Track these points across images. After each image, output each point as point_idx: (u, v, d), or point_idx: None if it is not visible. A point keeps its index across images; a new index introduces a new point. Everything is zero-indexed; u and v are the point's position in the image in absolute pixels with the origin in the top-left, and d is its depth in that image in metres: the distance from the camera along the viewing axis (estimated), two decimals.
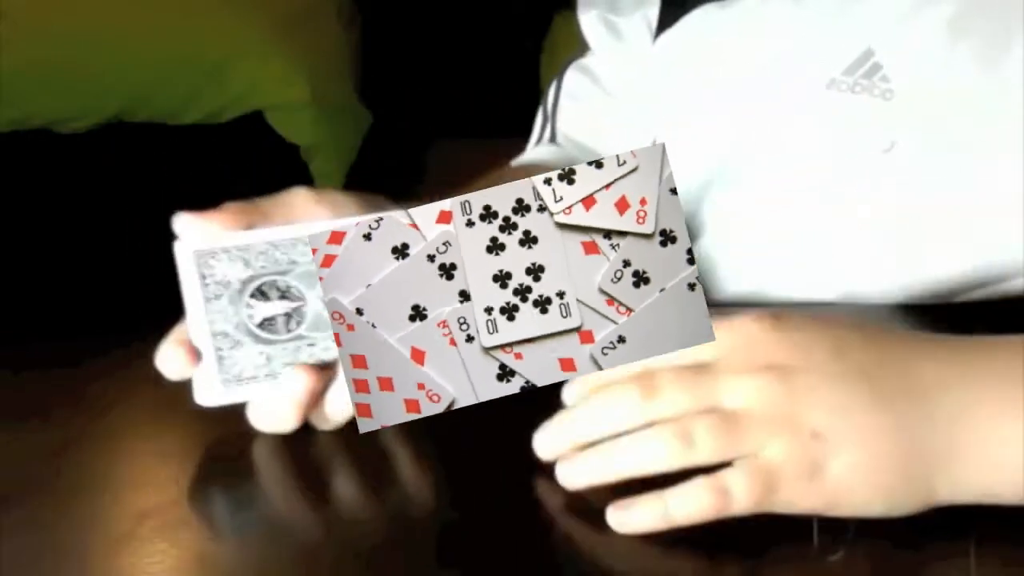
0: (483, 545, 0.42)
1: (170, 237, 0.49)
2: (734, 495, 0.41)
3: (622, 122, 0.73)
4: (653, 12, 0.71)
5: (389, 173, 2.18)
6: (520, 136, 0.85)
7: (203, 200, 0.50)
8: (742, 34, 0.66)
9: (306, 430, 0.49)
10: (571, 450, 0.44)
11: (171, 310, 0.49)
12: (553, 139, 0.76)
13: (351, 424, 0.48)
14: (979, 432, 0.41)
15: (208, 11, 1.93)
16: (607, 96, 0.74)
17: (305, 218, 0.50)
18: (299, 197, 0.51)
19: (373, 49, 2.36)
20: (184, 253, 0.48)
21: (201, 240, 0.48)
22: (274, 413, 0.48)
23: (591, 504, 0.43)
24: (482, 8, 2.52)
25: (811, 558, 0.41)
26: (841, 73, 0.61)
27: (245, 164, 1.91)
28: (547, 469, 0.45)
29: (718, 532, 0.41)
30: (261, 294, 0.48)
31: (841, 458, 0.41)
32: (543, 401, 0.48)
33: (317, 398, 0.47)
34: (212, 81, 1.89)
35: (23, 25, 1.86)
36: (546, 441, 0.45)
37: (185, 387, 0.48)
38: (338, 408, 0.48)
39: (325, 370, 0.47)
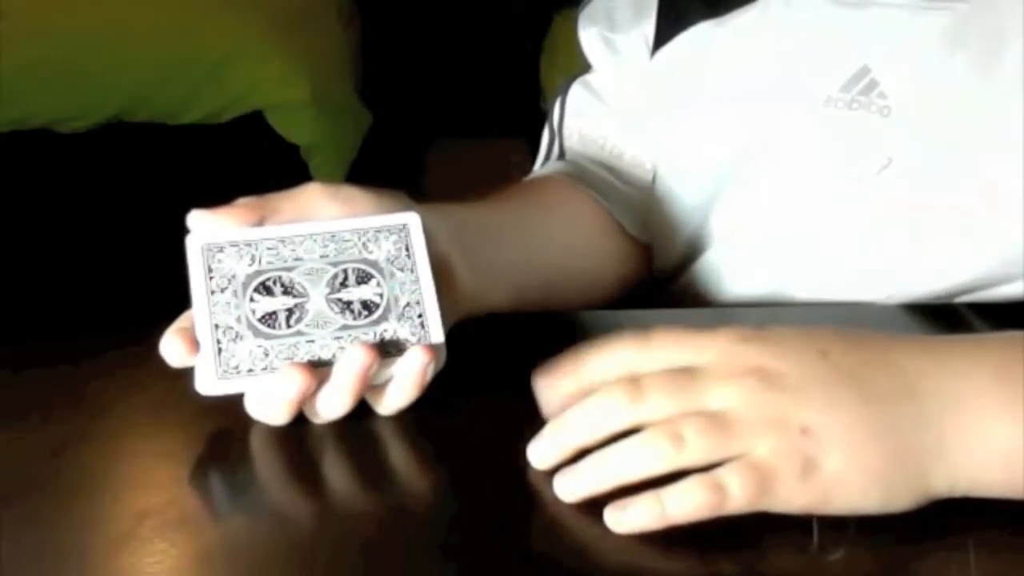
0: (482, 540, 0.42)
1: (169, 237, 0.49)
2: (729, 492, 0.41)
3: (626, 137, 0.74)
4: (650, 29, 0.72)
5: (389, 173, 2.18)
6: (520, 136, 0.85)
7: (203, 200, 0.51)
8: (737, 53, 0.66)
9: (305, 427, 0.49)
10: (564, 457, 0.45)
11: (171, 310, 0.50)
12: (562, 155, 0.77)
13: (350, 420, 0.49)
14: (965, 427, 0.42)
15: (208, 11, 1.93)
16: (610, 112, 0.75)
17: (318, 214, 0.50)
18: (313, 193, 0.51)
19: (373, 49, 2.36)
20: (193, 246, 0.49)
21: (211, 234, 0.49)
22: (267, 407, 0.48)
23: (589, 501, 0.43)
24: (482, 8, 2.52)
25: (811, 555, 0.41)
26: (838, 90, 0.61)
27: (245, 164, 1.90)
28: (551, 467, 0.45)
29: (715, 531, 0.41)
30: (265, 289, 0.48)
31: (834, 454, 0.41)
32: None
33: (310, 397, 0.48)
34: (212, 81, 1.89)
35: (23, 25, 1.86)
36: (539, 450, 0.45)
37: (184, 387, 0.48)
38: (329, 408, 0.48)
39: (320, 369, 0.47)
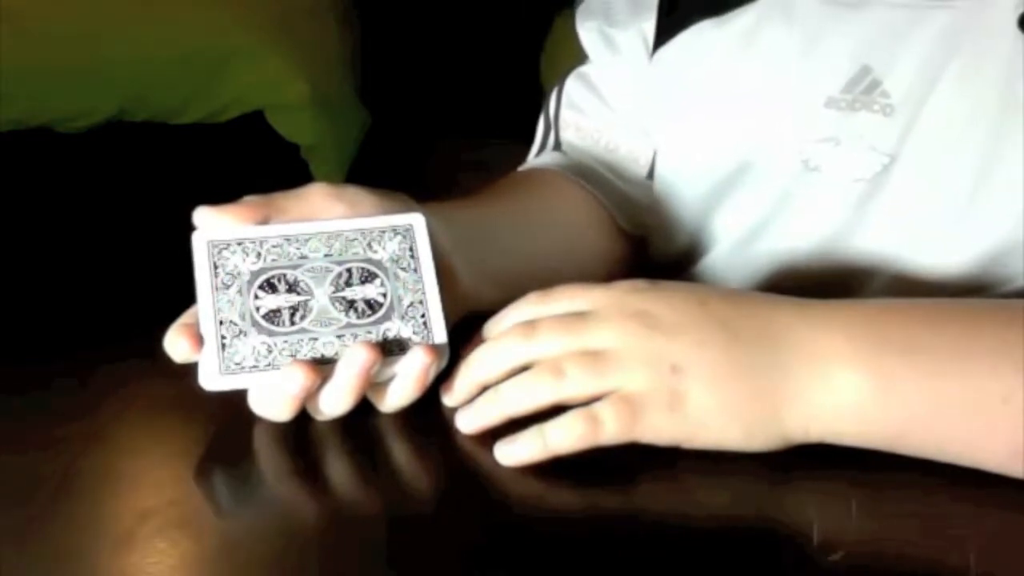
0: (480, 540, 0.43)
1: (169, 237, 0.49)
2: (603, 423, 0.45)
3: (622, 132, 0.73)
4: (649, 26, 0.71)
5: (389, 173, 2.18)
6: (520, 137, 0.85)
7: (203, 200, 0.51)
8: (737, 54, 0.66)
9: (308, 424, 0.49)
10: (470, 393, 0.49)
11: (172, 309, 0.50)
12: (557, 147, 0.77)
13: (352, 417, 0.49)
14: (819, 378, 0.45)
15: (208, 10, 1.93)
16: (606, 107, 0.75)
17: (323, 214, 0.51)
18: (317, 193, 0.52)
19: (373, 49, 2.36)
20: (199, 242, 0.49)
21: (217, 231, 0.49)
22: (270, 404, 0.48)
23: (592, 501, 0.43)
24: (482, 8, 2.52)
25: (811, 558, 0.41)
26: (839, 91, 0.61)
27: (245, 164, 1.91)
28: (548, 464, 0.46)
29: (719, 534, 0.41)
30: (269, 286, 0.49)
31: (699, 390, 0.45)
32: None
33: (313, 394, 0.48)
34: (212, 81, 1.89)
35: (23, 25, 1.86)
36: (449, 387, 0.50)
37: (187, 385, 0.48)
38: (331, 404, 0.48)
39: (323, 366, 0.47)
